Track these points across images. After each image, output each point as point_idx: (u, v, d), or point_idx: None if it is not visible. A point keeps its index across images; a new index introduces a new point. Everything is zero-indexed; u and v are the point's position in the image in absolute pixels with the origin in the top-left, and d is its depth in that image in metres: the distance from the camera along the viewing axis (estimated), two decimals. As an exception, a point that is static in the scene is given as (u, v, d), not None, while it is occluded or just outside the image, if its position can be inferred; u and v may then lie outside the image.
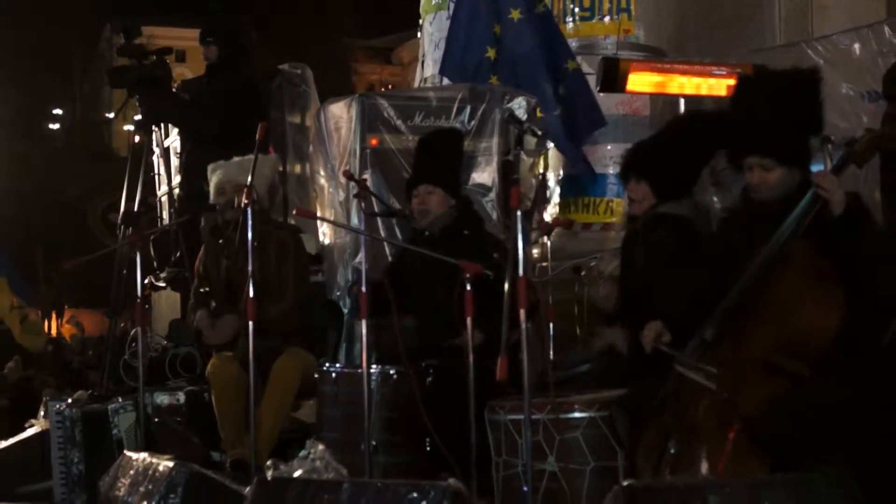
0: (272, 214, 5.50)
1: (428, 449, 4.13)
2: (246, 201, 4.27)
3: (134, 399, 4.99)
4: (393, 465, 4.18)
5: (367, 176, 5.49)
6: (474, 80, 6.15)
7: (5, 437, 6.14)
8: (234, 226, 4.92)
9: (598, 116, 6.62)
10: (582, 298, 5.39)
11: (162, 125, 7.09)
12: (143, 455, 3.84)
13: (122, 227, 6.52)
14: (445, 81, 6.54)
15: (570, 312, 5.62)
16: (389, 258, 5.33)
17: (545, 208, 7.01)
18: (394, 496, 2.93)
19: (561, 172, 7.12)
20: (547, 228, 5.02)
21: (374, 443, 4.10)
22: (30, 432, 5.96)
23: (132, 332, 5.57)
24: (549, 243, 4.80)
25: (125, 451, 4.25)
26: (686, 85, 6.03)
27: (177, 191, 7.01)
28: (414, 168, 5.05)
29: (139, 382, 4.78)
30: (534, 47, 6.35)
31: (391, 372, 4.30)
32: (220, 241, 5.16)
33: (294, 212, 5.92)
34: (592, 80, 6.38)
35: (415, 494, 2.90)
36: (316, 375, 4.61)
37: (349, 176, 4.60)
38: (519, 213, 3.50)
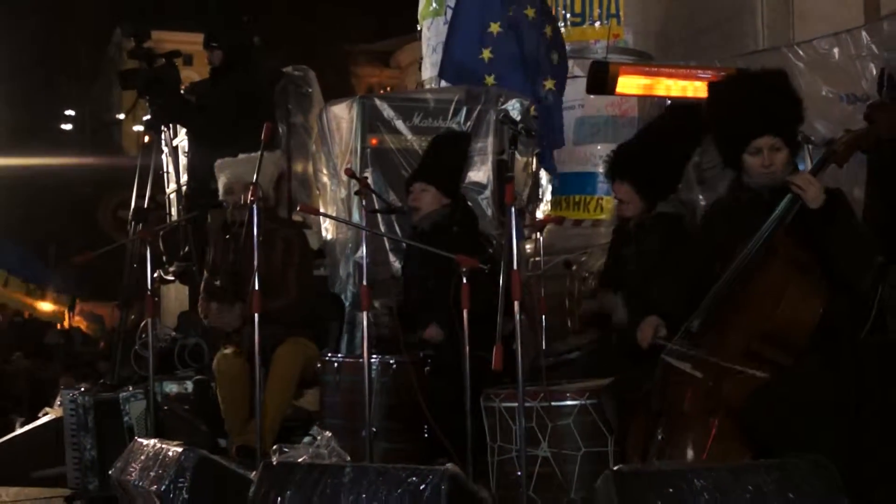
0: (279, 211, 5.53)
1: (426, 435, 4.19)
2: (252, 198, 4.28)
3: (144, 388, 5.05)
4: (392, 450, 4.24)
5: (367, 174, 5.55)
6: (470, 81, 6.17)
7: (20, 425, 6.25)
8: (241, 223, 4.93)
9: (559, 138, 6.62)
10: (572, 292, 5.49)
11: (170, 125, 7.11)
12: (154, 441, 3.86)
13: (133, 223, 6.60)
14: (444, 84, 6.57)
15: (562, 305, 5.69)
16: (389, 253, 5.45)
17: (538, 206, 7.06)
18: (394, 480, 2.96)
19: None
20: (539, 225, 5.06)
21: (374, 429, 4.13)
22: (44, 419, 6.09)
23: (142, 324, 5.59)
24: (541, 239, 4.88)
25: (136, 438, 4.28)
26: (672, 87, 6.05)
27: (185, 188, 7.04)
28: (417, 166, 5.16)
29: (149, 371, 4.84)
30: (522, 55, 6.33)
31: (391, 361, 4.36)
32: (228, 236, 5.22)
33: (298, 208, 5.92)
34: (582, 84, 6.39)
35: (414, 478, 2.95)
36: (319, 365, 4.67)
37: (350, 174, 4.64)
38: (513, 209, 3.56)
